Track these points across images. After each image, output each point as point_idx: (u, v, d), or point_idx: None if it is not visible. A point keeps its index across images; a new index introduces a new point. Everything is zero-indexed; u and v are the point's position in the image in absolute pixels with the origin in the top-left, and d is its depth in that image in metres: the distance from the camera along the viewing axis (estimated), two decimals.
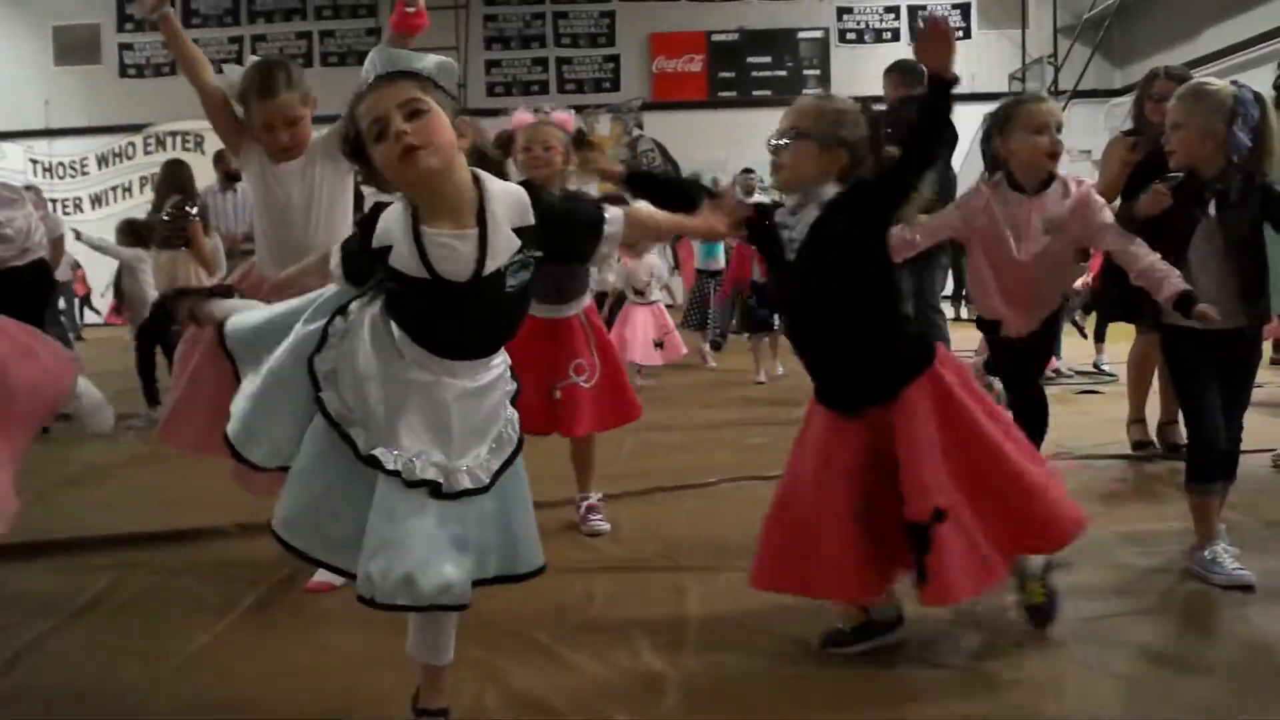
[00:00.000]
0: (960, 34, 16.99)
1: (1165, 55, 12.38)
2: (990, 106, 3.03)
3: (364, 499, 1.78)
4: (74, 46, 17.75)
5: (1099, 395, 6.39)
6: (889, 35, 17.44)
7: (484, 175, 1.88)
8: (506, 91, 17.58)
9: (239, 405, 1.90)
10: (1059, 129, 2.84)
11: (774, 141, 2.32)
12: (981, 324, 3.11)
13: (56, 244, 8.94)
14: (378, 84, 1.86)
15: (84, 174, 17.65)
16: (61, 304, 11.60)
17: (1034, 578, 2.47)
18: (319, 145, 2.89)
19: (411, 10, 2.74)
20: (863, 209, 2.23)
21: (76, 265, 12.52)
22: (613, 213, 1.97)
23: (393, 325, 1.84)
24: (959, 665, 2.35)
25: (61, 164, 17.73)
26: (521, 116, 3.36)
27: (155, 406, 5.99)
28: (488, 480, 1.84)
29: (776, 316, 7.44)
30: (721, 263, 8.58)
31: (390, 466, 1.77)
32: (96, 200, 17.58)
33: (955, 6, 17.63)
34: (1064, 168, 2.94)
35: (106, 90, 17.54)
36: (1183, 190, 2.79)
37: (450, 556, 1.76)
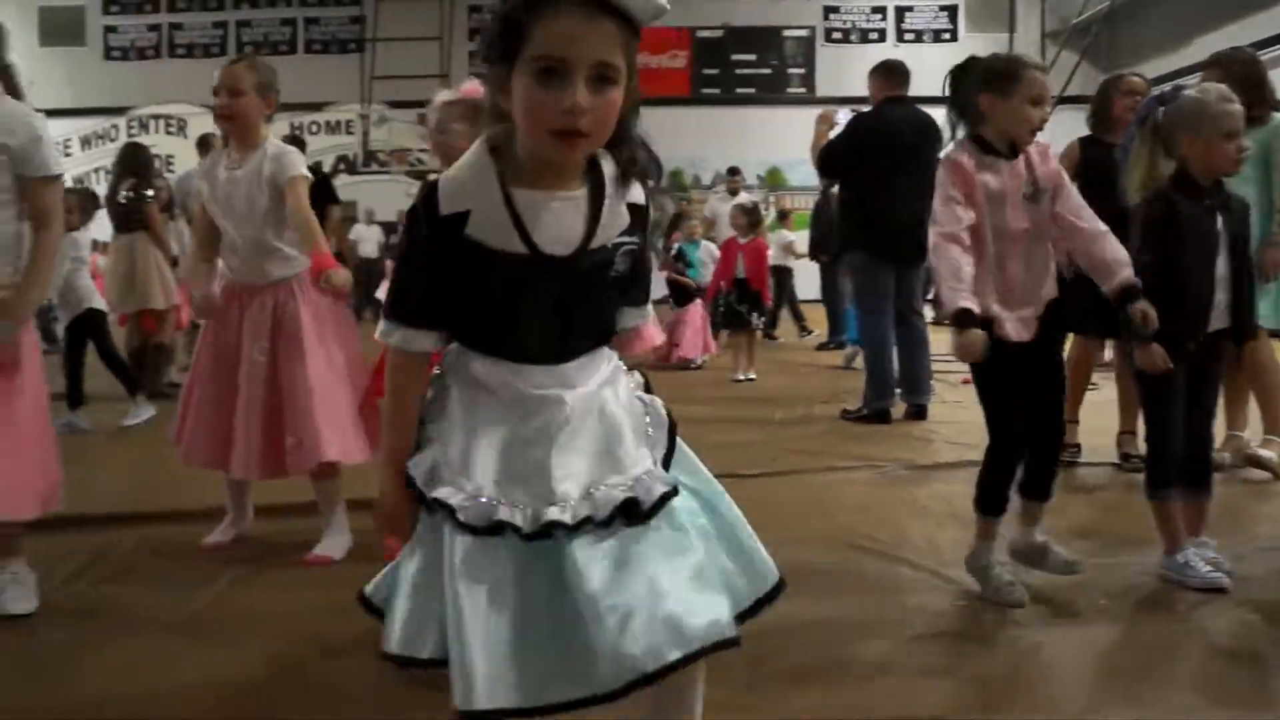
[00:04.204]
0: (947, 37, 16.04)
1: (1153, 62, 12.30)
2: None
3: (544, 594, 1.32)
4: (59, 28, 17.62)
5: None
6: (875, 35, 16.62)
7: None
8: None
9: (398, 615, 1.33)
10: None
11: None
12: (963, 323, 2.50)
13: None
14: (573, 8, 1.30)
15: (67, 155, 16.91)
16: None
17: None
18: (268, 156, 2.98)
19: None
20: None
21: None
22: (647, 310, 1.55)
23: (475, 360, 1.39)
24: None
25: None
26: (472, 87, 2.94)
27: (76, 409, 5.35)
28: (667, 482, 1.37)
29: (755, 314, 7.42)
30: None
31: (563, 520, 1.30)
32: (78, 182, 16.41)
33: (943, 9, 17.08)
34: None
35: (91, 72, 17.37)
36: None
37: (698, 584, 1.31)
